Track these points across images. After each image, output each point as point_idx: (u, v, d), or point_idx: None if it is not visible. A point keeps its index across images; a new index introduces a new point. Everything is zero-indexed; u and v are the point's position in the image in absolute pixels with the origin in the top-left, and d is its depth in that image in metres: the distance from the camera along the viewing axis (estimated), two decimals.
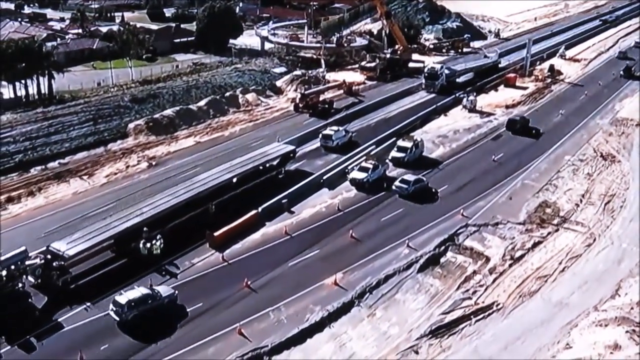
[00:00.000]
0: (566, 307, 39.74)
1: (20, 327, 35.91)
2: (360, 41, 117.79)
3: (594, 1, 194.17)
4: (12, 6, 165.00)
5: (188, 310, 38.30)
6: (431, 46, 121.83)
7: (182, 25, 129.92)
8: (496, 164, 63.01)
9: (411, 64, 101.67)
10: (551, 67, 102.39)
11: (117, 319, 36.64)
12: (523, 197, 55.39)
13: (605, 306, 39.62)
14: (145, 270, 41.82)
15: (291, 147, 60.41)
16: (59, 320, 37.12)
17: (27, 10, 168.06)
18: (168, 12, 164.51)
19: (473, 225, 49.66)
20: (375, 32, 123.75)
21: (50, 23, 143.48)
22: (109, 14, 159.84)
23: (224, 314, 38.23)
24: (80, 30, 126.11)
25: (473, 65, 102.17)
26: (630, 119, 76.92)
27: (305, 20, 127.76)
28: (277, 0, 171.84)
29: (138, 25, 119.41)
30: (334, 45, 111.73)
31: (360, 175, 56.48)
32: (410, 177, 56.20)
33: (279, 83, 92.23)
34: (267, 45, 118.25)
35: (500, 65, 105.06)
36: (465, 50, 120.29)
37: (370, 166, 57.07)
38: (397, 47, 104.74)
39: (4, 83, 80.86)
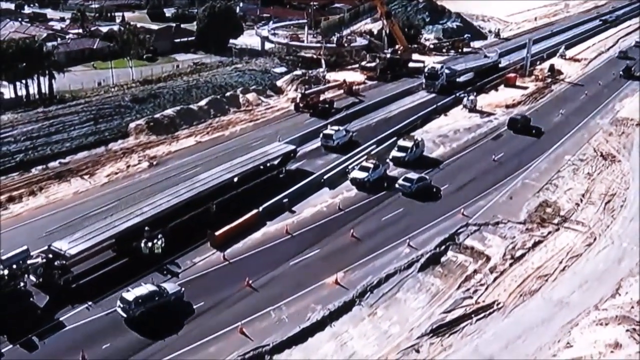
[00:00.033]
0: (567, 306, 39.81)
1: (21, 326, 35.98)
2: (360, 41, 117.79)
3: (594, 1, 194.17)
4: (12, 6, 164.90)
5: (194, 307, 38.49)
6: (431, 46, 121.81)
7: (182, 25, 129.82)
8: (496, 164, 63.11)
9: (411, 64, 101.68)
10: (551, 67, 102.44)
11: (125, 315, 36.72)
12: (523, 197, 55.49)
13: (606, 305, 39.72)
14: (146, 269, 41.87)
15: (292, 147, 60.52)
16: (61, 319, 37.18)
17: (27, 10, 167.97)
18: (168, 12, 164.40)
19: (474, 225, 49.76)
20: (375, 32, 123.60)
21: (51, 23, 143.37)
22: (109, 14, 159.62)
23: (225, 313, 38.30)
24: (80, 30, 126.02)
25: (473, 65, 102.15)
26: (630, 119, 77.03)
27: (305, 20, 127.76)
28: (277, 0, 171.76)
29: (138, 25, 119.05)
30: (334, 45, 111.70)
31: (361, 174, 56.58)
32: (413, 175, 56.40)
33: (279, 83, 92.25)
34: (268, 45, 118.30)
35: (500, 65, 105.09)
36: (465, 50, 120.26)
37: (371, 166, 57.18)
38: (397, 47, 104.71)
39: (4, 83, 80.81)
